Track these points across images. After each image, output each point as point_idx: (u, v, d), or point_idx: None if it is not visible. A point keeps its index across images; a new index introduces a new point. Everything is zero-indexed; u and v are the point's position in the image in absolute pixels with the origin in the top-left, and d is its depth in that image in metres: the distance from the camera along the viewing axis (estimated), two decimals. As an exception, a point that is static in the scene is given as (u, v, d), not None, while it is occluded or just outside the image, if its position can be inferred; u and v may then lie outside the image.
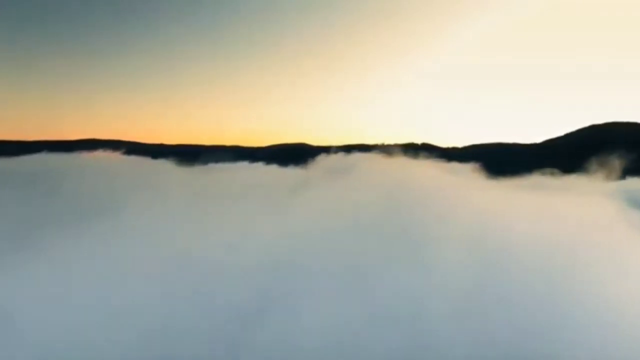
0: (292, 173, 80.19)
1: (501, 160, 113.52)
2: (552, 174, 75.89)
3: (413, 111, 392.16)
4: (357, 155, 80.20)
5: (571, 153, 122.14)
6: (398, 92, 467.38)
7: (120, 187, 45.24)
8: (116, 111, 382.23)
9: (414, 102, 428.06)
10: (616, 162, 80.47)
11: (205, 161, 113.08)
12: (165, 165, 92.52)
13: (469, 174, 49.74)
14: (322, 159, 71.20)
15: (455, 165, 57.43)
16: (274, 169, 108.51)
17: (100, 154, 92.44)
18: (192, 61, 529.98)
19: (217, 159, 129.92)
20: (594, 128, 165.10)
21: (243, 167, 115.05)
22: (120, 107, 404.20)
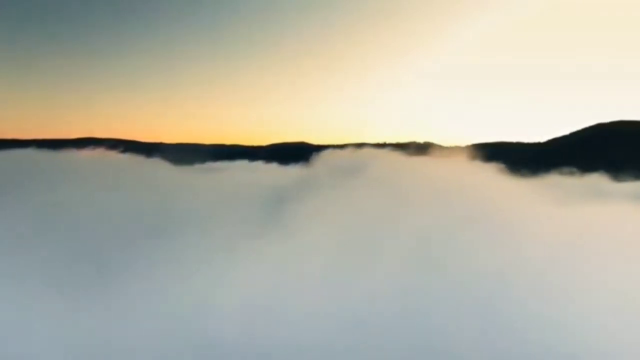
0: (294, 172, 74.09)
1: (512, 159, 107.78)
2: (571, 173, 70.45)
3: (414, 111, 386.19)
4: (366, 152, 73.61)
5: (582, 152, 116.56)
6: (398, 92, 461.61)
7: (92, 186, 39.87)
8: (116, 111, 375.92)
9: (415, 101, 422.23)
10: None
11: (203, 160, 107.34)
12: (159, 164, 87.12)
13: (498, 174, 44.11)
14: (326, 157, 65.01)
15: (479, 165, 51.65)
16: (274, 168, 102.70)
17: (90, 152, 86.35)
18: (192, 61, 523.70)
19: (215, 158, 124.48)
20: (600, 126, 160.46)
21: (241, 166, 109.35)
22: (120, 106, 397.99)
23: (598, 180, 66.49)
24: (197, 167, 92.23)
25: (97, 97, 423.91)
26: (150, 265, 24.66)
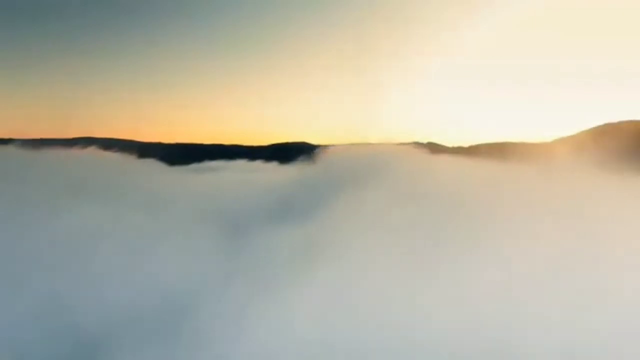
0: (297, 174, 66.01)
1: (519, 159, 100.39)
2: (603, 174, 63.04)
3: (416, 111, 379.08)
4: (378, 149, 65.21)
5: (603, 151, 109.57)
6: (400, 92, 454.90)
7: (47, 191, 34.07)
8: (116, 111, 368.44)
9: (417, 101, 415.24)
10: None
11: (199, 160, 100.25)
12: (151, 165, 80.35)
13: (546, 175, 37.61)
14: (333, 156, 57.17)
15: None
16: (273, 168, 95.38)
17: (78, 151, 79.28)
18: (192, 61, 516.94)
19: (213, 158, 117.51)
20: (609, 126, 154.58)
21: (239, 166, 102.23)
22: (120, 106, 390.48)
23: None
24: (192, 167, 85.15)
25: (96, 97, 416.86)
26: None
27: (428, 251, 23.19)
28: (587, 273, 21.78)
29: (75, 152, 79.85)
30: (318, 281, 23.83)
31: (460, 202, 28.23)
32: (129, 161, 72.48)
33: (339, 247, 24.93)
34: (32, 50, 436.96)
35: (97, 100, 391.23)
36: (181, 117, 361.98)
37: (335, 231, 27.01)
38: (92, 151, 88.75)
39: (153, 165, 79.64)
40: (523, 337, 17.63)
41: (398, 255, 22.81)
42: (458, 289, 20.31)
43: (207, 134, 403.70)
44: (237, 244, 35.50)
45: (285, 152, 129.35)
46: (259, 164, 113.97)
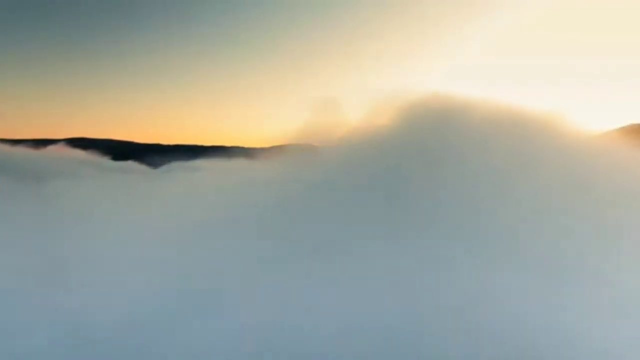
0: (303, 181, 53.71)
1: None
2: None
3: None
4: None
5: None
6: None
7: None
8: (114, 111, 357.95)
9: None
10: None
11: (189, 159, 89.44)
12: (136, 168, 70.24)
13: None
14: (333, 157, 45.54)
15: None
16: (275, 172, 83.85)
17: (43, 152, 68.46)
18: (191, 61, 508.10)
19: (211, 157, 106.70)
20: (636, 127, 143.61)
21: (236, 166, 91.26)
22: (117, 106, 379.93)
23: None
24: (175, 169, 74.39)
25: (95, 97, 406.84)
26: None
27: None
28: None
29: (43, 152, 69.04)
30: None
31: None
32: (105, 163, 62.48)
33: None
34: (30, 50, 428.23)
35: (95, 101, 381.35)
36: (180, 118, 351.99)
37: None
38: (57, 149, 78.20)
39: (139, 169, 70.31)
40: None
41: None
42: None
43: (206, 134, 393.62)
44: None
45: (286, 154, 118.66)
46: (259, 164, 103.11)
